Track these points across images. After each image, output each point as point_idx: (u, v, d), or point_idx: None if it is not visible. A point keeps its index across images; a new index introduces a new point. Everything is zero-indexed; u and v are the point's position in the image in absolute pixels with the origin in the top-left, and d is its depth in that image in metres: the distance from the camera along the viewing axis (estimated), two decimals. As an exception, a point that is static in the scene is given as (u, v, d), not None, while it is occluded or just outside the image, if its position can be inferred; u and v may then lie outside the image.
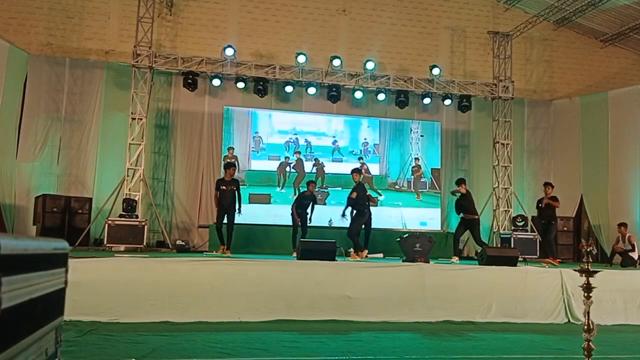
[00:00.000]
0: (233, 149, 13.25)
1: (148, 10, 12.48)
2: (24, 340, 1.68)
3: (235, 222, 10.31)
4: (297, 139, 13.59)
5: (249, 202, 12.58)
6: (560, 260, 10.86)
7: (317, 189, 12.41)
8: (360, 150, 13.89)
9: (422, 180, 14.09)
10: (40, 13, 13.01)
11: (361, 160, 13.68)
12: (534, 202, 12.82)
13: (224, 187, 10.19)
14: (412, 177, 14.05)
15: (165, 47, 13.39)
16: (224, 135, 13.33)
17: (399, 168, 14.07)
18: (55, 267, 2.09)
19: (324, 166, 13.61)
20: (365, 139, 14.04)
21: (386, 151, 14.10)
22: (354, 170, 10.69)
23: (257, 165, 13.38)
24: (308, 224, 10.94)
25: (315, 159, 13.60)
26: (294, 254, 10.08)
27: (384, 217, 13.03)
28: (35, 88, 12.54)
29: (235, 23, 13.91)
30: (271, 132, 13.59)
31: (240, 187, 10.48)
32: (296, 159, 13.51)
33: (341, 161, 13.69)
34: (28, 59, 12.51)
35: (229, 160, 12.62)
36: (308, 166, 13.51)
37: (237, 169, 11.88)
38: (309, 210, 10.96)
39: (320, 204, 12.17)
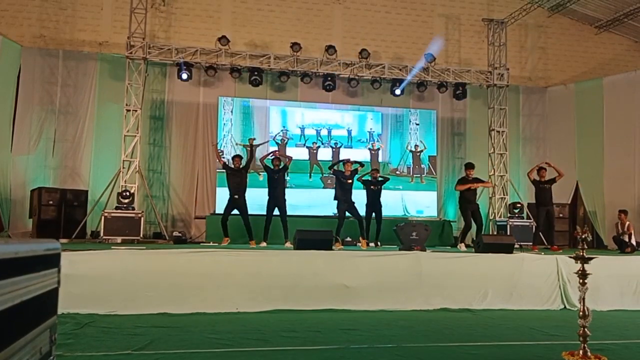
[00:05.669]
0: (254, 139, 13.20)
1: (141, 0, 12.40)
2: (17, 342, 1.68)
3: (234, 213, 10.10)
4: (329, 129, 13.96)
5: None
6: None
7: (326, 175, 13.25)
8: (367, 139, 14.15)
9: (422, 166, 14.35)
10: (33, 5, 12.92)
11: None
12: (530, 190, 12.86)
13: (230, 173, 10.24)
14: (412, 164, 14.27)
15: (159, 38, 13.32)
16: (243, 128, 13.43)
17: (399, 155, 14.31)
18: (47, 268, 2.09)
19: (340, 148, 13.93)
20: (371, 128, 14.23)
21: (388, 140, 14.32)
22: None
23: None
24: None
25: (335, 143, 13.95)
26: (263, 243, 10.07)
27: (386, 202, 12.75)
28: (29, 80, 12.48)
29: (229, 13, 13.84)
30: (296, 125, 13.93)
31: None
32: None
33: (351, 147, 14.08)
34: (21, 52, 12.43)
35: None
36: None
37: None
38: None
39: (330, 188, 12.34)
